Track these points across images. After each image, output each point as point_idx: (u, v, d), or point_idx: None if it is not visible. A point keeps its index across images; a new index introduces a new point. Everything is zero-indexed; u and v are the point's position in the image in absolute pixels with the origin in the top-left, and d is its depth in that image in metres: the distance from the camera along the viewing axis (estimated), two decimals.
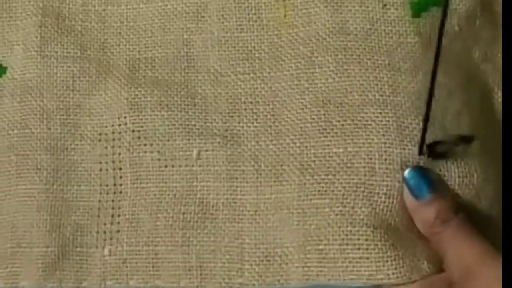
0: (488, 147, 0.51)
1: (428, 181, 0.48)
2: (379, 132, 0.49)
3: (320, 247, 0.49)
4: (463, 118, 0.50)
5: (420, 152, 0.49)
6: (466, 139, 0.49)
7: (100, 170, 0.54)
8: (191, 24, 0.55)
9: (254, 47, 0.54)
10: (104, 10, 0.57)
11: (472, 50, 0.53)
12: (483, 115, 0.52)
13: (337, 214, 0.49)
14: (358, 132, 0.50)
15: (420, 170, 0.48)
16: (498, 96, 0.53)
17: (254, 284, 0.51)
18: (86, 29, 0.56)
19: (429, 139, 0.49)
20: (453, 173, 0.49)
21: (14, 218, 0.54)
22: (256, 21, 0.54)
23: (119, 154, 0.54)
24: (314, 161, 0.51)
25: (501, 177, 0.50)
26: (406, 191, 0.48)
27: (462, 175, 0.49)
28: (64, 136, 0.55)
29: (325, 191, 0.50)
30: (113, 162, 0.54)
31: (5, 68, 0.56)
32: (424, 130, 0.48)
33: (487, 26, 0.53)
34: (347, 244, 0.49)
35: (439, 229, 0.47)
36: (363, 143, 0.50)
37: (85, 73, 0.55)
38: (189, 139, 0.53)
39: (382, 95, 0.50)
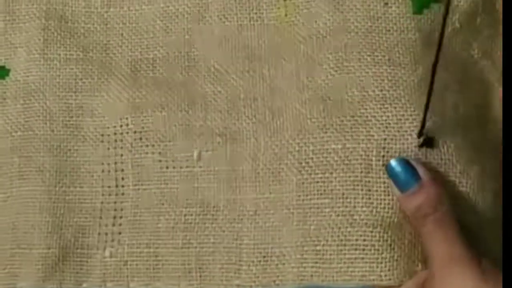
0: (483, 142, 0.50)
1: (410, 173, 0.47)
2: (379, 128, 0.49)
3: (318, 247, 0.49)
4: (460, 109, 0.50)
5: (419, 136, 0.49)
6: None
7: (103, 171, 0.54)
8: (192, 24, 0.55)
9: (255, 46, 0.54)
10: (106, 12, 0.57)
11: (471, 46, 0.52)
12: (480, 110, 0.51)
13: (338, 215, 0.49)
14: (358, 128, 0.50)
15: (403, 162, 0.47)
16: (499, 92, 0.52)
17: (251, 286, 0.51)
18: (89, 31, 0.56)
19: (428, 127, 0.49)
20: (449, 166, 0.49)
21: (15, 219, 0.54)
22: (257, 21, 0.54)
23: (121, 155, 0.54)
24: (312, 158, 0.51)
25: (496, 171, 0.49)
26: (391, 182, 0.48)
27: (458, 169, 0.49)
28: (67, 137, 0.55)
29: (324, 190, 0.50)
30: (115, 163, 0.54)
31: (8, 70, 0.57)
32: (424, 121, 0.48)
33: (488, 24, 0.53)
34: (344, 245, 0.48)
35: (420, 222, 0.46)
36: (362, 140, 0.49)
37: (87, 75, 0.55)
38: (189, 140, 0.53)
39: (381, 90, 0.50)
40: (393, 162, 0.48)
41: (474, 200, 0.49)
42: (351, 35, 0.51)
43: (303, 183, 0.51)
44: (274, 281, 0.50)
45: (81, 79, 0.55)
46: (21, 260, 0.53)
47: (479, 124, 0.51)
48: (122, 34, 0.56)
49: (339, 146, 0.50)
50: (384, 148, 0.49)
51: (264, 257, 0.51)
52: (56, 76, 0.55)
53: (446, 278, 0.45)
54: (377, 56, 0.51)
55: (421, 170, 0.47)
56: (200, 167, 0.53)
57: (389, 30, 0.51)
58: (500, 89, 0.51)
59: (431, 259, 0.46)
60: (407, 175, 0.47)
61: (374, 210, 0.48)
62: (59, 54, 0.56)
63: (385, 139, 0.49)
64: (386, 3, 0.52)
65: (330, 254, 0.49)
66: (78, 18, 0.57)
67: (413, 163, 0.47)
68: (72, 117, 0.55)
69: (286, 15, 0.54)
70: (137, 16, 0.56)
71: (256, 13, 0.54)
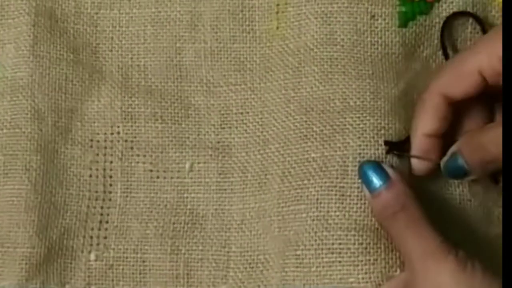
0: None
1: (378, 173, 0.48)
2: (355, 135, 0.51)
3: (298, 252, 0.50)
4: None
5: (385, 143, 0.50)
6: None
7: (90, 176, 0.55)
8: (184, 32, 0.55)
9: (246, 58, 0.55)
10: (96, 13, 0.56)
11: None
12: None
13: (313, 220, 0.50)
14: (335, 136, 0.51)
15: (371, 163, 0.49)
16: None
17: None
18: (78, 32, 0.56)
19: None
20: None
21: None
22: (249, 33, 0.55)
23: (111, 162, 0.55)
24: (294, 167, 0.52)
25: None
26: (362, 185, 0.49)
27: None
28: (55, 138, 0.55)
29: (301, 196, 0.51)
30: (104, 169, 0.55)
31: None
32: None
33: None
34: (322, 249, 0.50)
35: (389, 222, 0.48)
36: (339, 147, 0.51)
37: (78, 77, 0.55)
38: (182, 152, 0.54)
39: (363, 101, 0.51)
40: (362, 164, 0.49)
41: (443, 198, 0.52)
42: (337, 47, 0.52)
43: (283, 190, 0.52)
44: (259, 286, 0.52)
45: (72, 80, 0.55)
46: (5, 259, 0.53)
47: None
48: (112, 38, 0.56)
49: (318, 155, 0.51)
50: (360, 154, 0.50)
51: (250, 264, 0.52)
52: (46, 75, 0.55)
53: (424, 274, 0.45)
54: (361, 70, 0.52)
55: (389, 170, 0.49)
56: (191, 178, 0.54)
57: (374, 44, 0.53)
58: None
59: (407, 258, 0.47)
60: (375, 175, 0.48)
61: (347, 214, 0.50)
62: (49, 52, 0.55)
63: (360, 145, 0.50)
64: (373, 16, 0.53)
65: (309, 258, 0.50)
66: (67, 18, 0.56)
67: (382, 164, 0.49)
68: (61, 118, 0.55)
69: (277, 27, 0.55)
70: (127, 20, 0.56)
71: (248, 25, 0.55)
